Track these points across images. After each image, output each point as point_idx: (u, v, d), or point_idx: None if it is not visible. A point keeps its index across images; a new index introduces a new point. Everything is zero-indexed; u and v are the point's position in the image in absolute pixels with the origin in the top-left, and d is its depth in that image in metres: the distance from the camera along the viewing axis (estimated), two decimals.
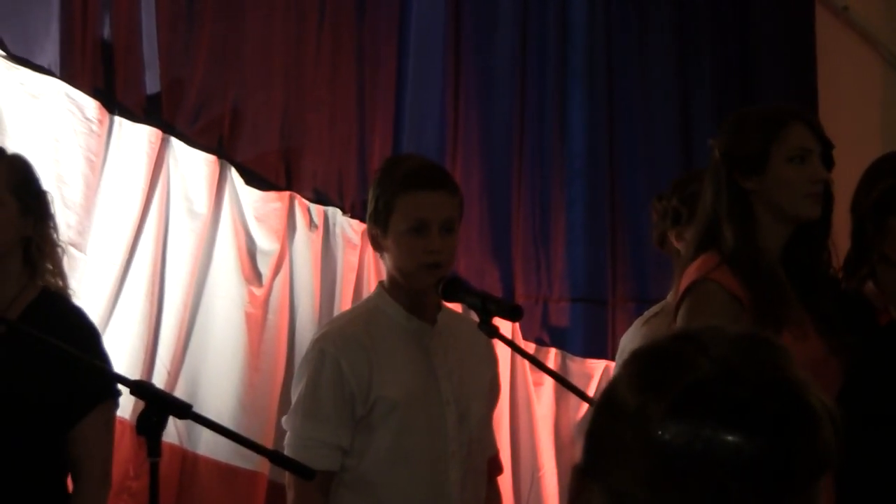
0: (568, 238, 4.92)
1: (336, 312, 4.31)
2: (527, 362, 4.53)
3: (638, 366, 1.29)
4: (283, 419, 3.21)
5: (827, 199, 3.08)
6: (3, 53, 3.99)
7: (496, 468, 3.47)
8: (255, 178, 4.37)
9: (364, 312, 3.22)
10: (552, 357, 4.82)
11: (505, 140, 4.85)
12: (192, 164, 4.26)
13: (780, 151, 3.04)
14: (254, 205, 4.35)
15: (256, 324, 4.27)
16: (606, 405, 1.29)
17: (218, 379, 4.18)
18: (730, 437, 1.20)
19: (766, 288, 2.96)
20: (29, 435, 3.06)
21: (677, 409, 1.22)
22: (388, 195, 3.10)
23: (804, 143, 3.06)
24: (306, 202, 4.45)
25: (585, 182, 4.95)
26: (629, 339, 3.80)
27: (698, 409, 1.22)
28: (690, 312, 2.97)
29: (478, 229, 4.75)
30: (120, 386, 3.04)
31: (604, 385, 4.27)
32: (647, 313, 3.84)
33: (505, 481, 4.26)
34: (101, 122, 4.09)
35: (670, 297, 3.60)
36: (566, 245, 4.91)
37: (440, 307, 3.21)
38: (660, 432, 1.22)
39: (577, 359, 4.85)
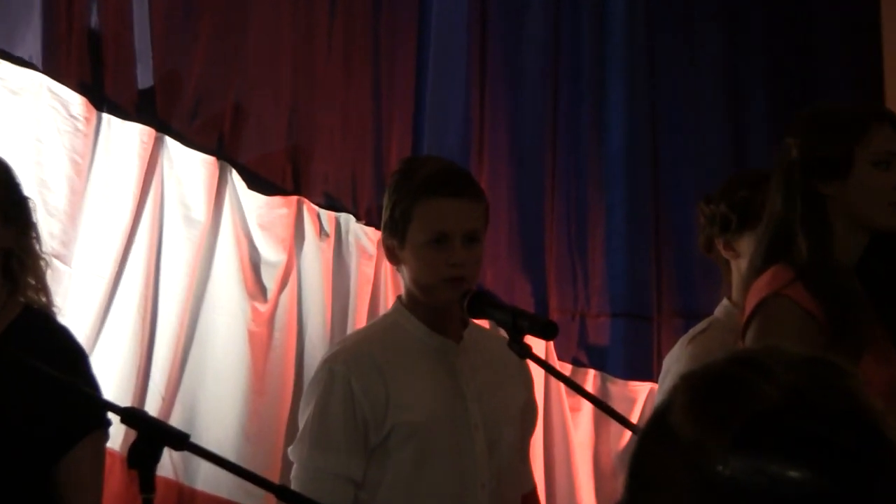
0: (607, 247, 4.80)
1: (349, 330, 4.22)
2: (562, 385, 4.42)
3: (693, 393, 1.25)
4: (290, 449, 3.14)
5: None
6: None
7: None
8: (259, 182, 4.27)
9: (380, 329, 3.16)
10: (591, 379, 4.72)
11: (536, 141, 4.73)
12: (189, 166, 4.15)
13: (864, 155, 2.96)
14: (258, 211, 4.25)
15: (261, 343, 4.18)
16: (655, 435, 1.27)
17: (218, 405, 4.10)
18: (799, 474, 1.17)
19: (845, 306, 2.88)
20: (11, 468, 2.98)
21: (740, 443, 1.19)
22: (406, 203, 3.03)
23: (891, 146, 2.98)
24: (316, 208, 4.35)
25: (626, 186, 4.83)
26: (673, 360, 3.70)
27: (764, 443, 1.19)
28: (762, 332, 2.90)
29: (507, 238, 4.64)
30: (110, 414, 2.95)
31: (649, 410, 4.55)
32: (692, 330, 3.73)
33: None
34: (87, 120, 4.01)
35: (718, 312, 3.61)
36: (605, 254, 4.79)
37: (466, 323, 3.11)
38: (720, 468, 1.19)
39: (619, 381, 4.75)
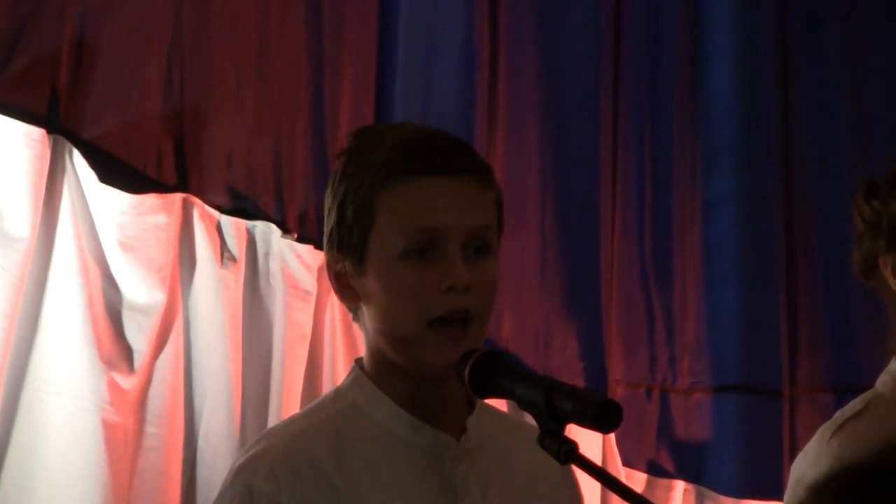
0: (707, 278, 4.67)
1: (272, 417, 4.13)
2: None
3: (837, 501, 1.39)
4: None
5: None
6: None
7: None
8: (118, 171, 4.03)
9: (329, 417, 2.83)
10: (679, 496, 4.63)
11: (585, 96, 4.57)
12: (1, 147, 3.90)
13: None
14: (117, 220, 4.00)
15: (124, 440, 4.01)
16: None
17: None
18: None
19: None
20: None
21: None
22: (364, 192, 2.75)
23: None
24: (214, 214, 4.11)
25: (739, 170, 4.67)
26: (808, 462, 3.35)
27: None
28: None
29: (536, 261, 4.52)
30: None
31: None
32: (839, 415, 3.42)
33: None
34: None
35: (882, 383, 3.42)
36: (704, 290, 4.67)
37: (472, 404, 2.78)
38: None
39: (725, 500, 4.64)
